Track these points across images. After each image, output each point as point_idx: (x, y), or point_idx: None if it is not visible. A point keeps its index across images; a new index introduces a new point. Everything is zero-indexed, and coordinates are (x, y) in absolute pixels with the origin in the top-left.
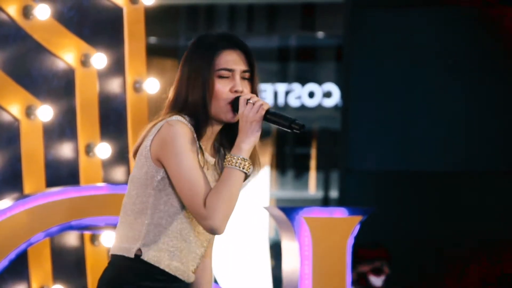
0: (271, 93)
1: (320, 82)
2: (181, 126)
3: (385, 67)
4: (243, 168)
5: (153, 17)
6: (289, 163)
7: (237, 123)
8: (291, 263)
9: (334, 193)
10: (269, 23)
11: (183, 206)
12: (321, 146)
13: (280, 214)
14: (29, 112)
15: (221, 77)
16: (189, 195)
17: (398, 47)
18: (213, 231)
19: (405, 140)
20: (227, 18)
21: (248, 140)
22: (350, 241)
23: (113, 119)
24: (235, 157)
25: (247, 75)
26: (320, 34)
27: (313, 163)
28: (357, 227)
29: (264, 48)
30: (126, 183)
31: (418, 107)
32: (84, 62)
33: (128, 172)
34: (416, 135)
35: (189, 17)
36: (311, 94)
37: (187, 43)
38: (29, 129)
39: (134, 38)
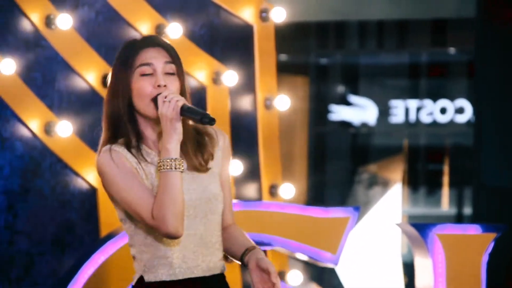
0: (402, 109)
1: (452, 98)
2: (102, 157)
3: None
4: (176, 168)
5: (283, 34)
6: (421, 180)
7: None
8: (424, 280)
9: (467, 210)
10: (400, 39)
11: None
12: (453, 162)
13: (413, 231)
14: None
15: (143, 74)
16: (136, 214)
17: None
18: (171, 237)
19: None
20: (357, 35)
21: (171, 140)
22: (485, 259)
23: (244, 136)
24: (164, 160)
25: (171, 69)
26: (452, 50)
27: (445, 180)
28: (491, 245)
29: (395, 64)
30: (258, 199)
31: None
32: (216, 79)
33: (260, 189)
34: None
35: (319, 34)
36: (443, 110)
37: (317, 60)
38: None
39: (264, 55)
